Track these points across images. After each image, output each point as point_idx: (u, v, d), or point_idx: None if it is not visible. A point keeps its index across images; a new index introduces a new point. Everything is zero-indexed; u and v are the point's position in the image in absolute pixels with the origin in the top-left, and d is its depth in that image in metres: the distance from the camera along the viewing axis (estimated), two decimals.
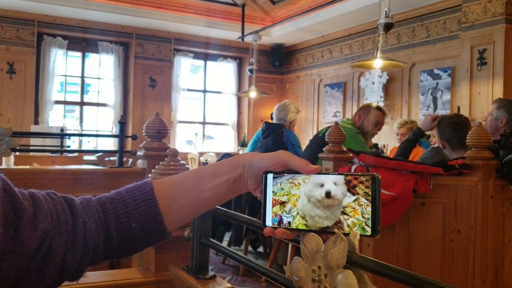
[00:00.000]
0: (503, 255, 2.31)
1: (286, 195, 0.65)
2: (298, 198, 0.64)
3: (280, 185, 0.65)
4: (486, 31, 4.69)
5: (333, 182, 0.61)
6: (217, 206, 0.77)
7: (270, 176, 0.65)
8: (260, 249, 4.38)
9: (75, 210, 0.64)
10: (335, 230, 0.60)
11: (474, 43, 4.83)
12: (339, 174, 0.61)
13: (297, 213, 0.64)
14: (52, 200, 0.63)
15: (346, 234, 0.60)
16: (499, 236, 2.29)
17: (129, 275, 1.11)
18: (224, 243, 4.18)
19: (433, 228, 2.27)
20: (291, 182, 0.65)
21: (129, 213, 0.66)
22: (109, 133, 7.13)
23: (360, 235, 0.59)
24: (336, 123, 2.73)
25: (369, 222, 0.58)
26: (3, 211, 0.55)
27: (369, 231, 0.58)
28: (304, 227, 0.63)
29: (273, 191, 0.66)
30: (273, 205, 0.66)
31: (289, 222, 0.64)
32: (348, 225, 0.60)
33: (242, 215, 0.86)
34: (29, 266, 0.57)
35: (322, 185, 0.62)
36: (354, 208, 0.60)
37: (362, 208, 0.59)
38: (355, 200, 0.60)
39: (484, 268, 2.23)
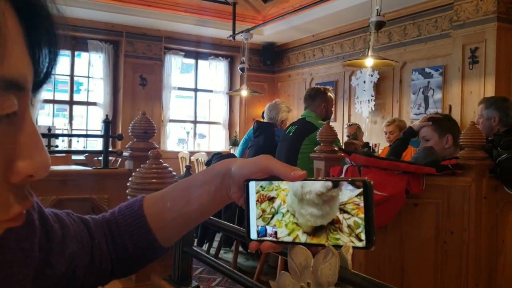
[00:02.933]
0: (496, 257, 2.28)
1: (275, 189, 0.57)
2: (288, 193, 0.56)
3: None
4: (478, 30, 4.67)
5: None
6: None
7: (252, 185, 0.59)
8: None
9: (92, 231, 0.65)
10: (326, 243, 0.55)
11: (466, 42, 4.80)
12: (327, 180, 0.55)
13: (287, 210, 0.57)
14: (74, 221, 0.64)
15: (338, 247, 0.54)
16: (492, 237, 2.26)
17: (109, 285, 1.06)
18: (215, 243, 4.13)
19: (425, 229, 2.24)
20: None
21: (122, 234, 0.65)
22: (99, 133, 7.03)
23: (354, 247, 0.54)
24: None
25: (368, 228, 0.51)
26: (39, 235, 0.56)
27: (363, 242, 0.53)
28: (294, 226, 0.56)
29: (261, 186, 0.58)
30: (261, 202, 0.58)
31: (275, 233, 0.58)
32: (348, 226, 0.51)
33: (227, 223, 0.81)
34: None
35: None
36: (358, 204, 0.50)
37: None
38: (359, 194, 0.50)
39: (478, 270, 2.20)
